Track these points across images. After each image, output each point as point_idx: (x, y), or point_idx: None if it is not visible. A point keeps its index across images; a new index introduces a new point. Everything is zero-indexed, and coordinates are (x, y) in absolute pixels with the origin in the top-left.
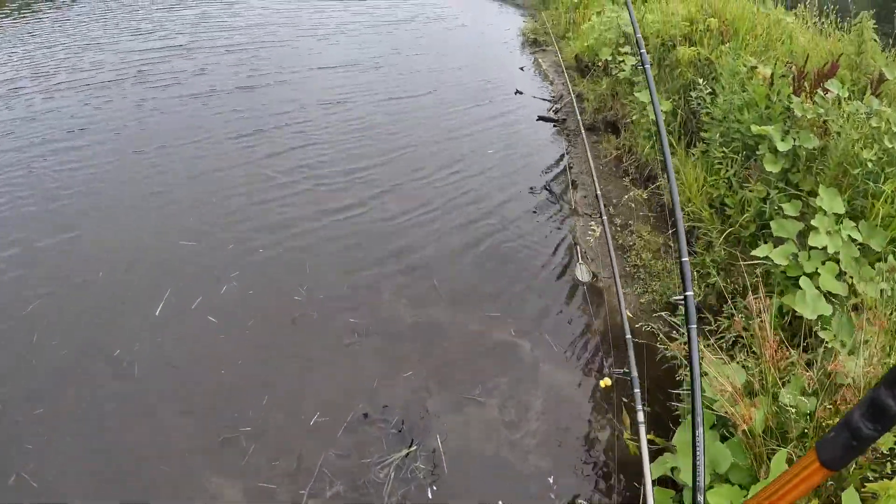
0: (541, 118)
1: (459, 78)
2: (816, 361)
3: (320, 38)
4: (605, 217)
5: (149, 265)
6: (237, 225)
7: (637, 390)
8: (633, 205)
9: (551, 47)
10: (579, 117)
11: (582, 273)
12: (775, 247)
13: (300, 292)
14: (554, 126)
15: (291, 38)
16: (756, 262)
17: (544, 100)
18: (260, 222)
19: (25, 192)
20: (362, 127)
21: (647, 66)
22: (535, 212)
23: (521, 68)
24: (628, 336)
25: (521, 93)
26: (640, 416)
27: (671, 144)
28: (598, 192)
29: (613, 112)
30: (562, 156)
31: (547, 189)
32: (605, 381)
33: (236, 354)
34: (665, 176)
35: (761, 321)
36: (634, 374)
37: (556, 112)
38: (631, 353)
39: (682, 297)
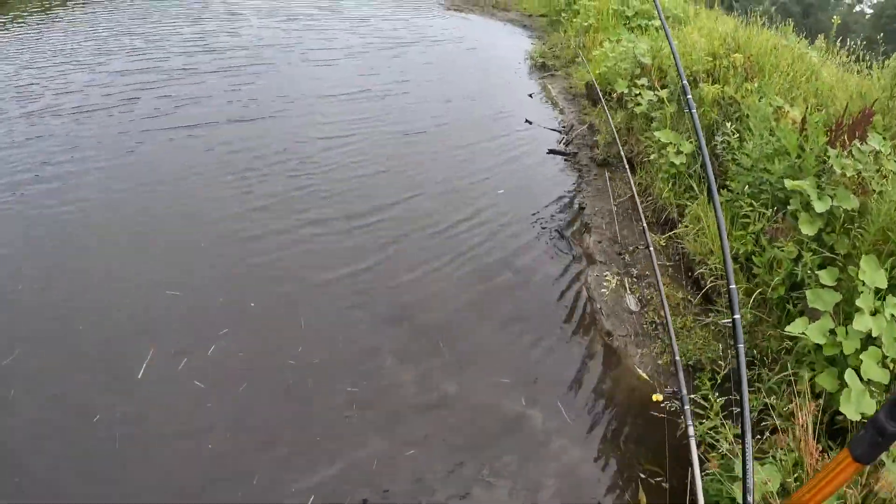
0: (551, 151)
1: (468, 108)
2: (862, 477)
3: (323, 62)
4: (651, 245)
5: (132, 317)
6: (227, 275)
7: (687, 407)
8: (650, 253)
9: (560, 72)
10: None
11: (631, 303)
12: (807, 317)
13: (295, 355)
14: (565, 160)
15: (292, 61)
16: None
17: (554, 130)
18: (252, 274)
19: None
20: (365, 168)
21: (694, 110)
22: (546, 261)
23: (530, 95)
24: (677, 358)
25: (530, 123)
26: (691, 431)
27: (691, 188)
28: (645, 225)
29: (628, 147)
30: (573, 194)
31: (559, 234)
32: (657, 396)
33: (224, 427)
34: (680, 222)
35: (803, 426)
36: (684, 392)
37: (566, 144)
38: (681, 373)
39: (729, 321)
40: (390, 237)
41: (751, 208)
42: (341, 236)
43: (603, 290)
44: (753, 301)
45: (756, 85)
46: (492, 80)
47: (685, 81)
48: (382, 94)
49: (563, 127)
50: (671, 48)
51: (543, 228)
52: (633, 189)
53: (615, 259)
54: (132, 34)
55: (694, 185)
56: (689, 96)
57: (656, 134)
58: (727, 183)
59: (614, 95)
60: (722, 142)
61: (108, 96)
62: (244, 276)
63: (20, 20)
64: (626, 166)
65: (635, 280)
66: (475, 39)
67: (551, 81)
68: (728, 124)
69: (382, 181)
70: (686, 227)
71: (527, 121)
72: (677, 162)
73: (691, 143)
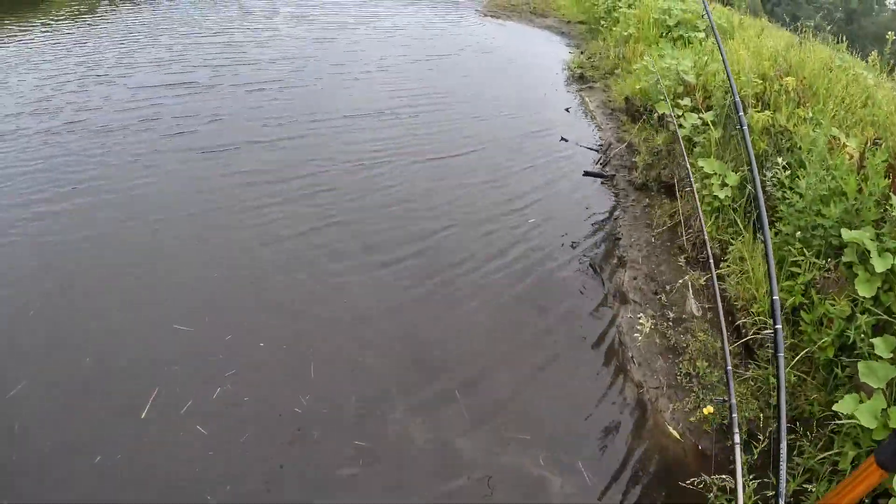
0: (587, 174)
1: (502, 127)
2: None
3: (353, 76)
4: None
5: (139, 351)
6: (238, 312)
7: (735, 415)
8: (687, 293)
9: (598, 84)
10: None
11: (693, 307)
12: (857, 393)
13: (302, 403)
14: (602, 183)
15: (320, 75)
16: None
17: (591, 149)
18: (263, 312)
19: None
20: (391, 197)
21: (747, 135)
22: (578, 302)
23: (567, 109)
24: (729, 367)
25: (566, 140)
26: (737, 438)
27: (735, 223)
28: (708, 246)
29: (669, 171)
30: (609, 223)
31: (592, 268)
32: (708, 409)
33: (224, 477)
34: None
35: None
36: (733, 401)
37: (603, 165)
38: (731, 381)
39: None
40: (414, 277)
41: (801, 255)
42: (362, 275)
43: (636, 334)
44: (798, 358)
45: (809, 112)
46: (528, 93)
47: (737, 98)
48: (413, 112)
49: (601, 146)
50: (725, 67)
51: (580, 264)
52: (679, 214)
53: (651, 299)
54: (157, 44)
55: (738, 221)
56: (744, 118)
57: (700, 162)
58: (776, 223)
59: (655, 115)
60: (772, 176)
61: (126, 112)
62: (255, 313)
63: (47, 27)
64: (658, 188)
65: (670, 324)
66: (511, 49)
67: (589, 94)
68: (779, 158)
69: (408, 213)
70: (728, 266)
71: (562, 138)
72: (721, 196)
73: (738, 173)
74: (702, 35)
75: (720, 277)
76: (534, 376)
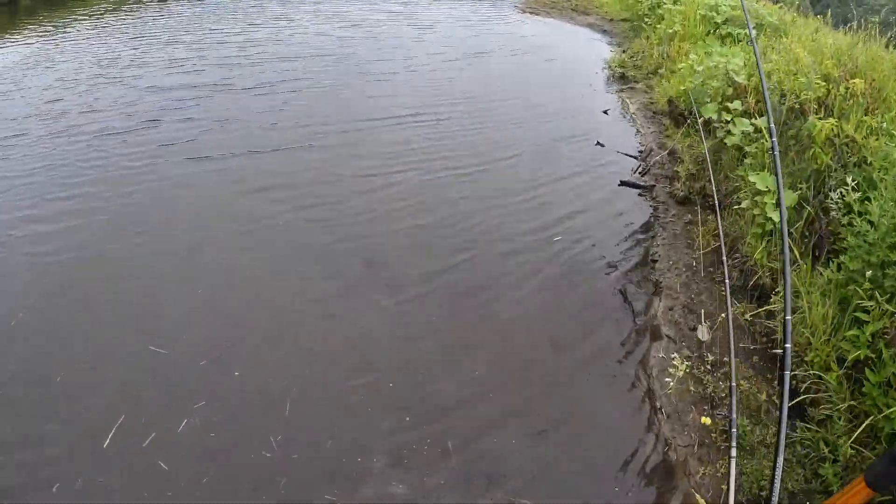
0: (624, 183)
1: (536, 132)
2: None
3: (378, 77)
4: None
5: (112, 373)
6: (218, 334)
7: (734, 430)
8: (730, 329)
9: (640, 84)
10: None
11: (703, 333)
12: None
13: (272, 445)
14: (639, 194)
15: (343, 77)
16: None
17: (629, 155)
18: (245, 336)
19: None
20: (406, 220)
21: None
22: (603, 336)
23: (606, 111)
24: (733, 384)
25: (602, 146)
26: (733, 452)
27: (790, 250)
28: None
29: (714, 184)
30: (645, 241)
31: (623, 295)
32: (706, 420)
33: None
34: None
35: None
36: (734, 416)
37: (642, 173)
38: (734, 398)
39: None
40: (419, 307)
41: (871, 300)
42: (360, 303)
43: (667, 378)
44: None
45: (882, 122)
46: (565, 93)
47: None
48: (439, 116)
49: (640, 152)
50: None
51: (609, 290)
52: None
53: (687, 336)
54: (175, 42)
55: (793, 248)
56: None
57: (751, 178)
58: (839, 255)
59: (700, 120)
60: (839, 201)
61: (130, 116)
62: (235, 337)
63: (68, 27)
64: (700, 204)
65: (708, 368)
66: (550, 47)
67: (630, 95)
68: (847, 176)
69: (422, 234)
70: (779, 301)
71: (598, 143)
72: (776, 218)
73: (798, 192)
74: (754, 33)
75: (770, 314)
76: (545, 431)
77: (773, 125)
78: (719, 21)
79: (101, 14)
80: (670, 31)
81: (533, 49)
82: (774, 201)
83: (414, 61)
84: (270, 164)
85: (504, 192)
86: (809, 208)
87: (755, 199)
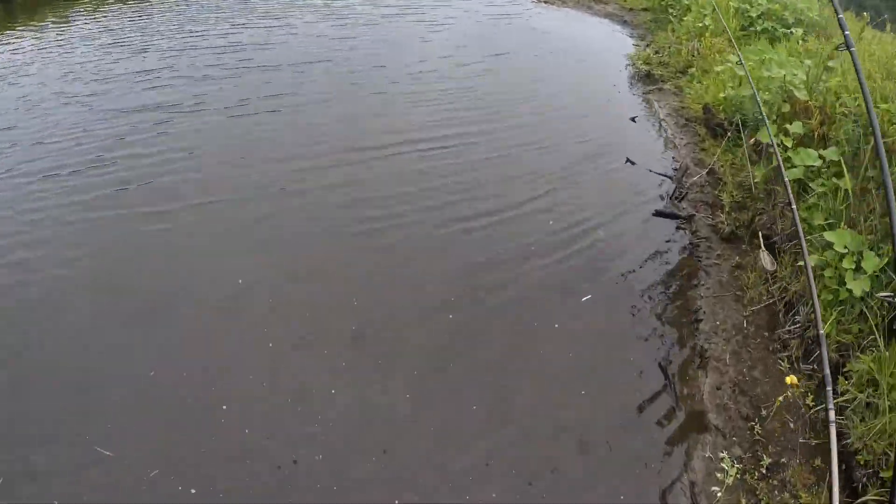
0: (658, 213)
1: (555, 154)
2: None
3: (375, 89)
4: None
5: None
6: (172, 436)
7: (829, 388)
8: (789, 418)
9: (668, 85)
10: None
11: (766, 261)
12: None
13: None
14: (678, 227)
15: (334, 88)
16: None
17: (663, 175)
18: (203, 440)
19: None
20: (397, 286)
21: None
22: (636, 428)
23: (633, 119)
24: (821, 332)
25: (633, 163)
26: (832, 416)
27: (868, 321)
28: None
29: (767, 218)
30: (686, 292)
31: (661, 369)
32: (791, 379)
33: None
34: None
35: None
36: (826, 371)
37: (678, 198)
38: (824, 349)
39: None
40: (404, 388)
41: None
42: (340, 401)
43: (714, 487)
44: None
45: None
46: (589, 100)
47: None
48: (447, 142)
49: (675, 169)
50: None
51: (650, 367)
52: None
53: (739, 428)
54: (148, 49)
55: (871, 321)
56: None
57: (825, 235)
58: None
59: (750, 141)
60: None
61: (84, 151)
62: (191, 440)
63: (40, 34)
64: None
65: (764, 473)
66: (570, 43)
67: (658, 97)
68: None
69: (413, 307)
70: (849, 391)
71: (628, 160)
72: (856, 290)
73: (877, 251)
74: (799, 31)
75: (839, 409)
76: None
77: (886, 170)
78: (754, 15)
79: (76, 17)
80: (699, 24)
81: (552, 47)
82: (854, 266)
83: (419, 67)
84: (231, 217)
85: (525, 251)
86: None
87: (824, 254)
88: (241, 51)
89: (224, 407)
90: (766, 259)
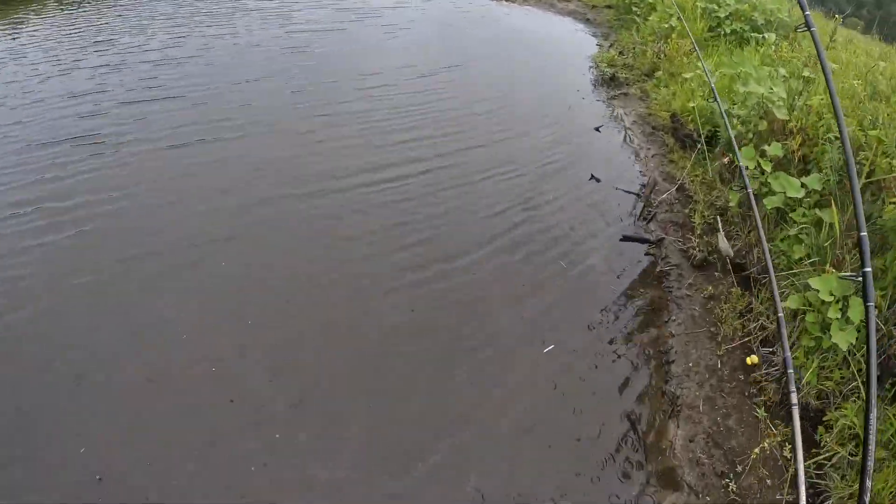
0: (626, 238)
1: (532, 177)
2: None
3: (320, 112)
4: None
5: None
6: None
7: (791, 371)
8: (766, 473)
9: (634, 89)
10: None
11: (724, 245)
12: None
13: None
14: (646, 252)
15: (275, 113)
16: None
17: (630, 192)
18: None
19: None
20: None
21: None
22: (602, 488)
23: (598, 129)
24: (780, 314)
25: (598, 180)
26: (794, 399)
27: (846, 364)
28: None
29: (744, 244)
30: (655, 330)
31: (630, 423)
32: (752, 359)
33: None
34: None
35: None
36: (787, 354)
37: (646, 219)
38: (783, 331)
39: None
40: (336, 457)
41: None
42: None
43: None
44: None
45: None
46: (552, 109)
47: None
48: (400, 172)
49: (643, 186)
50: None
51: (618, 419)
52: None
53: (713, 486)
54: (79, 65)
55: (854, 372)
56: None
57: (810, 282)
58: None
59: (724, 158)
60: None
61: None
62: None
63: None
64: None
65: None
66: (532, 45)
67: (624, 103)
68: None
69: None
70: (829, 444)
71: (593, 177)
72: (842, 344)
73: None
74: (771, 36)
75: (819, 464)
76: None
77: (862, 218)
78: (722, 16)
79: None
80: (665, 26)
81: (514, 50)
82: (841, 315)
83: (373, 80)
84: (136, 295)
85: (486, 305)
86: (885, 324)
87: (806, 295)
88: (178, 65)
89: None
90: (723, 243)
